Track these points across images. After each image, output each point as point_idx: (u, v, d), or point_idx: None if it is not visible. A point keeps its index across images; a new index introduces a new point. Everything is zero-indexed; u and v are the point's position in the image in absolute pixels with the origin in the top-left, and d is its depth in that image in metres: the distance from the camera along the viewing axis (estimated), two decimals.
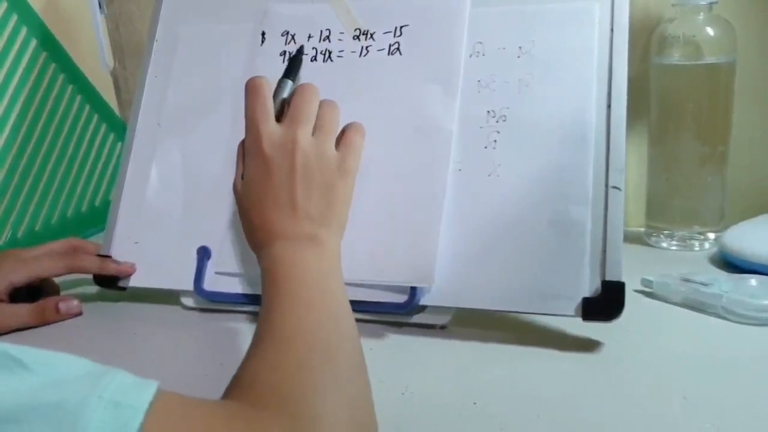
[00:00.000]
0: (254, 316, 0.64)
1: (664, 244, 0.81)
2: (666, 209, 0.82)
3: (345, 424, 0.42)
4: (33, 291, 0.70)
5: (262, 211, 0.57)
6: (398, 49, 0.67)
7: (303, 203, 0.56)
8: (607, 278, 0.58)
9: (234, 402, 0.42)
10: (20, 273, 0.67)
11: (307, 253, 0.54)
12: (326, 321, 0.49)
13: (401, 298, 0.61)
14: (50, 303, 0.68)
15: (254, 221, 0.57)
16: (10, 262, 0.68)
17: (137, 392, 0.34)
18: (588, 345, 0.59)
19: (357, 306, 0.60)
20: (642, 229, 0.84)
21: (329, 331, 0.48)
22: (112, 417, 0.32)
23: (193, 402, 0.38)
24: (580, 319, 0.58)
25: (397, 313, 0.61)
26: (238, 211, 0.60)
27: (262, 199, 0.57)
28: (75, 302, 0.68)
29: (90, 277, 0.72)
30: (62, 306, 0.67)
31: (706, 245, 0.80)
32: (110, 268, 0.70)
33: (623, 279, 0.58)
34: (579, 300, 0.58)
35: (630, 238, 0.77)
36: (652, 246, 0.82)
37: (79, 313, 0.69)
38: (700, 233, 0.80)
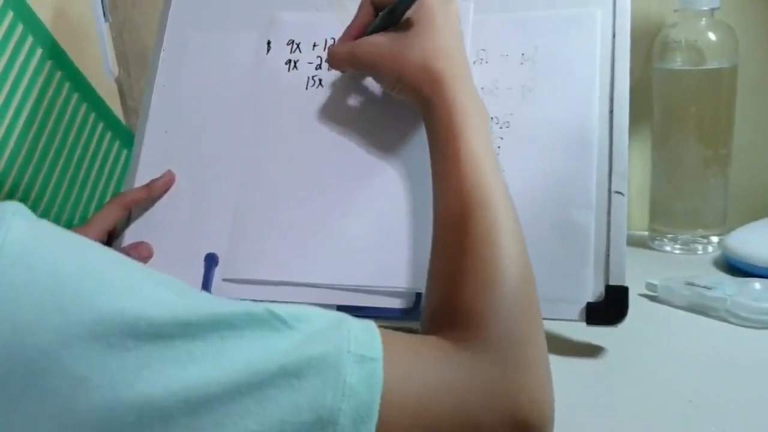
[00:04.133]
0: None
1: (668, 248, 0.82)
2: (669, 212, 0.82)
3: (545, 370, 0.43)
4: None
5: None
6: None
7: None
8: (611, 283, 0.58)
9: (449, 342, 0.42)
10: (84, 234, 0.67)
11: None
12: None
13: (407, 304, 0.61)
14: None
15: None
16: (74, 230, 0.68)
17: (370, 342, 0.38)
18: (592, 349, 0.60)
19: (362, 311, 0.61)
20: (645, 233, 0.84)
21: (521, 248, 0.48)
22: (361, 369, 0.36)
23: (412, 342, 0.41)
24: (584, 324, 0.58)
25: (402, 318, 0.62)
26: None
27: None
28: (143, 245, 0.68)
29: None
30: (133, 254, 0.67)
31: (710, 248, 0.80)
32: (158, 187, 0.70)
33: (627, 283, 0.58)
34: (583, 304, 0.58)
35: (633, 242, 0.78)
36: (655, 249, 0.82)
37: (150, 256, 0.68)
38: (704, 236, 0.81)
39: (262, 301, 0.63)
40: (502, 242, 0.47)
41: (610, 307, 0.58)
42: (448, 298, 0.46)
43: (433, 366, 0.40)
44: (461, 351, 0.41)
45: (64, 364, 0.31)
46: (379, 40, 0.59)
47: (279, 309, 0.37)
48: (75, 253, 0.35)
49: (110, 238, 0.71)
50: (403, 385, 0.38)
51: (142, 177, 0.72)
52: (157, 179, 0.70)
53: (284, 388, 0.34)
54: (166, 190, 0.70)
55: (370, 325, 0.40)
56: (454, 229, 0.49)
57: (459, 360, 0.41)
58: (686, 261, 0.79)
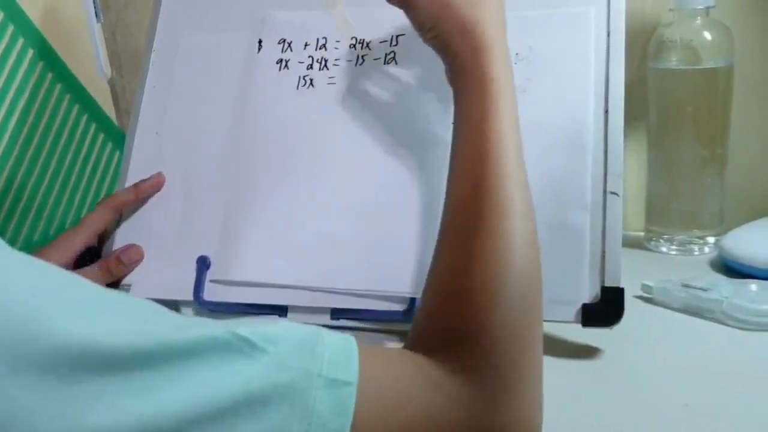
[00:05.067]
0: None
1: (664, 249, 0.81)
2: (665, 213, 0.81)
3: (537, 393, 0.41)
4: (94, 257, 0.69)
5: None
6: (394, 58, 0.67)
7: None
8: (607, 284, 0.58)
9: (436, 364, 0.40)
10: (75, 238, 0.67)
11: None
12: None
13: (402, 307, 0.61)
14: (111, 258, 0.67)
15: None
16: (62, 236, 0.68)
17: (346, 364, 0.36)
18: (588, 351, 0.59)
19: (356, 314, 0.61)
20: (641, 234, 0.84)
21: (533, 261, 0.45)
22: (331, 395, 0.35)
23: (395, 361, 0.40)
24: (579, 325, 0.58)
25: (397, 321, 0.61)
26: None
27: None
28: (134, 248, 0.68)
29: None
30: (124, 257, 0.67)
31: (706, 249, 0.80)
32: (145, 188, 0.69)
33: (622, 285, 0.58)
34: (578, 306, 0.58)
35: (629, 243, 0.77)
36: (651, 251, 0.82)
37: (141, 258, 0.68)
38: (700, 237, 0.80)
39: (254, 303, 0.63)
40: (511, 253, 0.44)
41: (605, 309, 0.57)
42: (447, 315, 0.44)
43: (413, 392, 0.38)
44: (448, 376, 0.40)
45: (11, 395, 0.30)
46: None
47: (247, 331, 0.34)
48: (26, 278, 0.33)
49: (101, 241, 0.71)
50: (378, 412, 0.36)
51: (132, 179, 0.72)
52: (144, 180, 0.70)
53: (248, 416, 0.33)
54: (154, 192, 0.70)
55: (349, 343, 0.38)
56: (463, 229, 0.46)
57: (444, 387, 0.39)
58: (682, 262, 0.79)
